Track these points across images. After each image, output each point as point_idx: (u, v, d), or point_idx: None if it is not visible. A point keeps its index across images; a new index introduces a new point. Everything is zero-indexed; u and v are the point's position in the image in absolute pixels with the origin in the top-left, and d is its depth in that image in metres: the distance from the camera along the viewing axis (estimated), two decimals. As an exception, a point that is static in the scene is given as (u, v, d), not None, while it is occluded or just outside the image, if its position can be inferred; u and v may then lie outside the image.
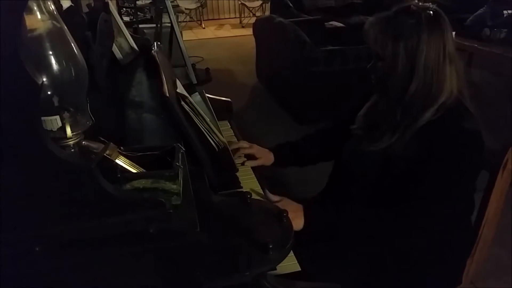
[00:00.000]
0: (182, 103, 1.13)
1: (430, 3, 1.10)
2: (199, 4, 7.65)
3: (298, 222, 1.06)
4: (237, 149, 1.38)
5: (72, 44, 0.74)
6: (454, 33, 1.11)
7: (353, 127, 1.26)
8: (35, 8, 0.69)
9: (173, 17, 1.80)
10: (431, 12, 1.06)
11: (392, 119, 1.12)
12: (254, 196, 1.12)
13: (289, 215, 0.89)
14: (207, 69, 1.87)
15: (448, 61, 1.07)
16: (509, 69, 3.22)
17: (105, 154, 0.74)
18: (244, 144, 1.40)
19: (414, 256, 1.17)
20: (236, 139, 1.55)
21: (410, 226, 1.09)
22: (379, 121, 1.17)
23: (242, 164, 1.37)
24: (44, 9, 0.70)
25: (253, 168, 1.39)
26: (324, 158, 1.46)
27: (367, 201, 1.15)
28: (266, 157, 1.40)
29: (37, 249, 0.68)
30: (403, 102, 1.09)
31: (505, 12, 3.56)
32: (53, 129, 0.72)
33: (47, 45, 0.71)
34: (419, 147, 1.06)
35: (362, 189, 1.19)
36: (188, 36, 6.64)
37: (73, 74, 0.73)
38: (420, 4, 1.10)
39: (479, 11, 3.74)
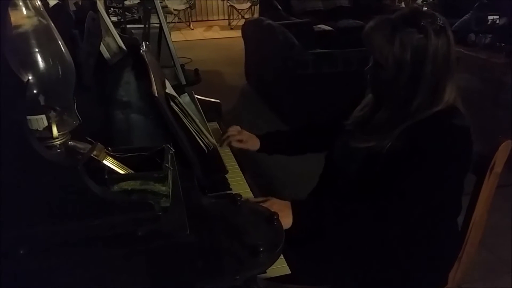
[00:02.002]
0: (171, 103, 1.12)
1: (437, 14, 1.05)
2: (187, 5, 7.64)
3: (286, 220, 1.02)
4: (227, 135, 1.41)
5: (59, 42, 0.73)
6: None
7: (346, 122, 1.26)
8: (21, 3, 0.67)
9: (162, 17, 1.78)
10: (439, 26, 1.03)
11: (387, 120, 1.12)
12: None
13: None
14: (196, 69, 1.85)
15: (450, 73, 1.07)
16: (494, 73, 3.27)
17: (92, 155, 0.72)
18: (233, 131, 1.43)
19: (402, 257, 1.17)
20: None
21: (398, 224, 1.09)
22: (372, 120, 1.17)
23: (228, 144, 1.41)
24: (29, 5, 0.68)
25: (243, 171, 1.38)
26: (311, 150, 1.47)
27: (356, 198, 1.14)
28: (252, 142, 1.43)
29: (22, 252, 0.66)
30: (402, 109, 1.09)
31: (489, 18, 3.62)
32: (39, 129, 0.70)
33: (33, 42, 0.69)
34: (409, 143, 1.06)
35: (351, 185, 1.18)
36: (176, 37, 6.61)
37: (60, 73, 0.72)
38: (425, 10, 1.06)
39: (464, 17, 3.80)
